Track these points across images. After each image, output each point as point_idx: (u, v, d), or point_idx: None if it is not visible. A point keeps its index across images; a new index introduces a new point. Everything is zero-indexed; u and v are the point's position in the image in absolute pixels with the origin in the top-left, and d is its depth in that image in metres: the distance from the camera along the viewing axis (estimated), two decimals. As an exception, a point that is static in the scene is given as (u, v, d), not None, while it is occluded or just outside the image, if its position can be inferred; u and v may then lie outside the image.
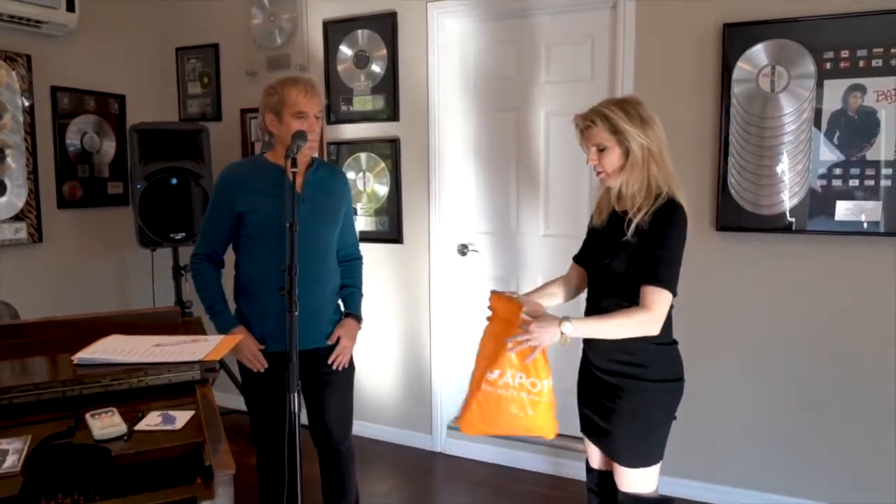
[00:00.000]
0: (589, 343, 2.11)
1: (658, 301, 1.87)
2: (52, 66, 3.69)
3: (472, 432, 2.15)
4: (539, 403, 2.00)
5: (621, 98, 2.02)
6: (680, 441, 2.65)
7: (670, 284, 1.88)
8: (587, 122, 1.97)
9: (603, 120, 1.93)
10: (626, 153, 1.93)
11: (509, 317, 2.04)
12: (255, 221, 2.29)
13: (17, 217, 3.53)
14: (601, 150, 1.96)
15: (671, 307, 2.01)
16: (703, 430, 3.10)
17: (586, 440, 2.25)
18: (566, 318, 1.91)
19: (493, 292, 2.15)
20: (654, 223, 1.90)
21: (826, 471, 2.93)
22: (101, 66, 3.98)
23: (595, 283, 2.11)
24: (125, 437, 1.43)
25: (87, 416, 1.49)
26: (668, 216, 1.90)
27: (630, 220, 1.93)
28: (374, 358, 3.92)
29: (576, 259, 2.26)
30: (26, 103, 3.54)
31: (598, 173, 2.01)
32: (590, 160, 2.00)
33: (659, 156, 1.94)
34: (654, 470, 2.05)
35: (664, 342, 2.01)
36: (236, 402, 4.05)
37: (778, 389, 2.99)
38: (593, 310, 2.07)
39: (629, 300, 1.93)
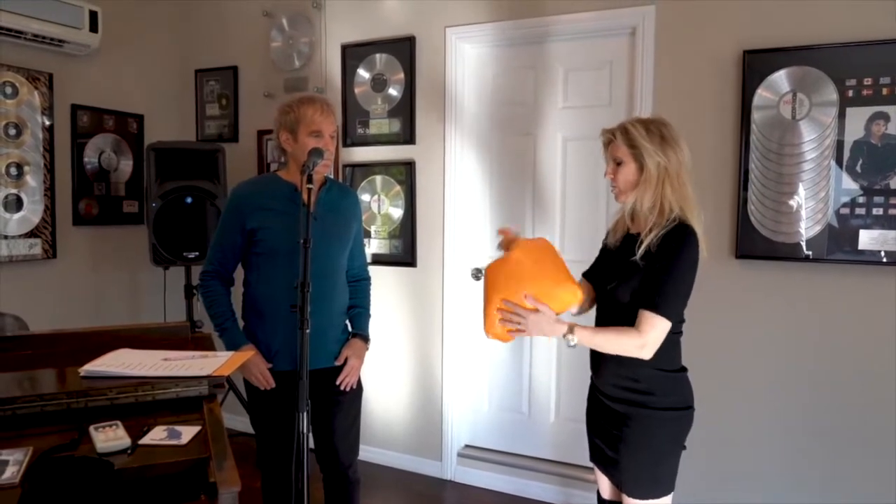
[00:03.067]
0: (597, 370, 2.08)
1: (652, 328, 1.85)
2: (72, 85, 3.73)
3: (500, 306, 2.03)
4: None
5: (649, 117, 2.01)
6: (694, 473, 2.58)
7: (668, 312, 1.85)
8: (608, 136, 1.99)
9: (622, 134, 1.94)
10: (642, 169, 1.91)
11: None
12: (266, 239, 2.27)
13: (33, 233, 3.54)
14: (618, 164, 1.96)
15: (679, 333, 1.98)
16: (720, 461, 3.02)
17: (596, 470, 2.19)
18: (573, 329, 1.91)
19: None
20: (663, 247, 1.86)
21: (848, 501, 2.84)
22: (121, 86, 4.03)
23: (602, 308, 2.09)
24: (129, 451, 1.40)
25: (91, 428, 1.46)
26: (678, 241, 1.86)
27: (641, 242, 1.89)
28: (385, 382, 3.87)
29: (586, 276, 2.22)
30: (47, 122, 3.57)
31: (614, 188, 2.01)
32: (607, 173, 2.01)
33: (676, 178, 1.91)
34: (665, 502, 1.98)
35: (672, 369, 1.97)
36: (244, 424, 4.00)
37: (797, 419, 2.91)
38: None
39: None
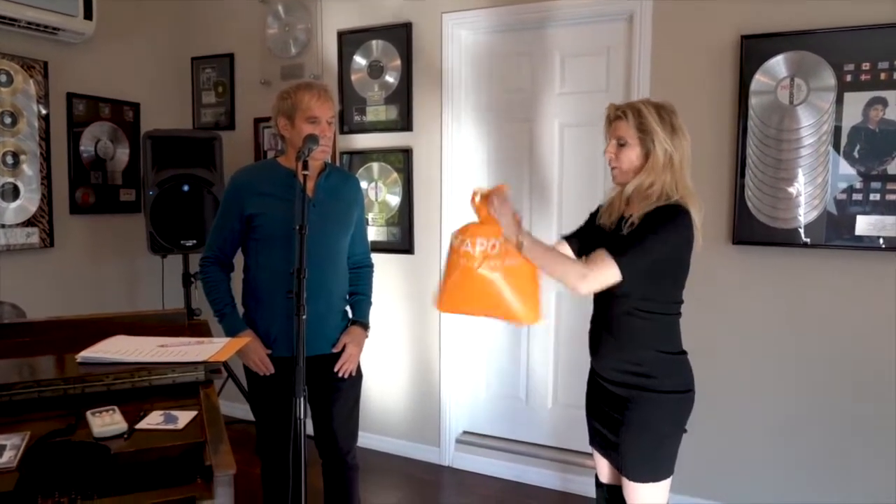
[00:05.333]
0: (596, 354, 2.08)
1: (601, 266, 1.83)
2: (68, 73, 3.71)
3: (449, 310, 2.08)
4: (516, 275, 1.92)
5: (659, 102, 1.96)
6: (692, 457, 2.60)
7: (623, 262, 1.82)
8: (618, 113, 1.94)
9: (635, 115, 1.90)
10: (647, 155, 1.89)
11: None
12: (265, 225, 2.27)
13: (30, 222, 3.53)
14: (622, 145, 1.93)
15: (678, 315, 1.98)
16: (717, 446, 3.04)
17: (595, 454, 2.19)
18: (527, 237, 1.90)
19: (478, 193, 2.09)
20: (648, 217, 1.85)
21: (844, 488, 2.85)
22: (117, 74, 4.00)
23: (598, 295, 2.04)
24: (125, 436, 1.41)
25: (88, 414, 1.46)
26: (666, 214, 1.85)
27: (630, 220, 1.89)
28: (383, 369, 3.89)
29: (567, 239, 2.19)
30: (43, 110, 3.56)
31: (613, 168, 1.98)
32: (607, 151, 1.97)
33: (679, 167, 1.90)
34: (665, 485, 1.99)
35: (673, 351, 1.97)
36: (244, 411, 4.01)
37: (794, 404, 2.92)
38: (603, 313, 2.02)
39: (642, 299, 1.90)
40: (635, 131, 1.90)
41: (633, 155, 1.92)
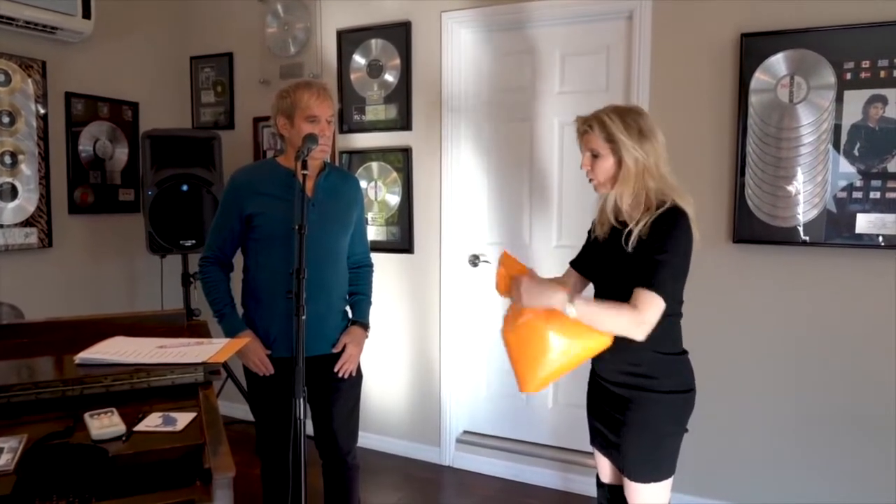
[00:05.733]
0: (597, 355, 2.06)
1: (649, 305, 1.80)
2: (66, 73, 3.70)
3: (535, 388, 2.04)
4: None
5: (624, 107, 1.96)
6: (693, 457, 2.60)
7: (663, 291, 1.81)
8: (585, 127, 1.94)
9: (600, 127, 1.89)
10: (620, 163, 1.89)
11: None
12: (264, 224, 2.26)
13: (28, 222, 3.52)
14: (595, 157, 1.93)
15: (679, 315, 1.97)
16: (718, 445, 3.03)
17: (596, 454, 2.19)
18: (572, 299, 1.83)
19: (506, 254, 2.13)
20: (655, 229, 1.84)
21: (844, 486, 2.85)
22: (116, 74, 3.99)
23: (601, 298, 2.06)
24: (124, 438, 1.40)
25: (86, 416, 1.45)
26: (670, 222, 1.84)
27: (630, 232, 1.87)
28: (383, 369, 3.88)
29: (574, 265, 2.20)
30: (41, 110, 3.55)
31: (591, 179, 1.98)
32: (583, 164, 1.98)
33: (655, 169, 1.89)
34: (666, 485, 1.98)
35: (673, 352, 1.97)
36: (244, 411, 4.01)
37: (794, 402, 2.92)
38: None
39: None
40: (604, 142, 1.89)
41: (606, 165, 1.91)
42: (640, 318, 1.80)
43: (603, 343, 1.86)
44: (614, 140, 1.87)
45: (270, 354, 2.29)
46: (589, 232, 2.17)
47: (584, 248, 2.19)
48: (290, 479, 1.88)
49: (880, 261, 2.72)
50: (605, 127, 1.88)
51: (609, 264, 1.99)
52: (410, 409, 3.85)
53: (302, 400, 1.87)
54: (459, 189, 3.64)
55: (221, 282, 2.35)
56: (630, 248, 1.87)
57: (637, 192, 1.89)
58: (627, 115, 1.90)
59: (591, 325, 1.85)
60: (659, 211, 1.85)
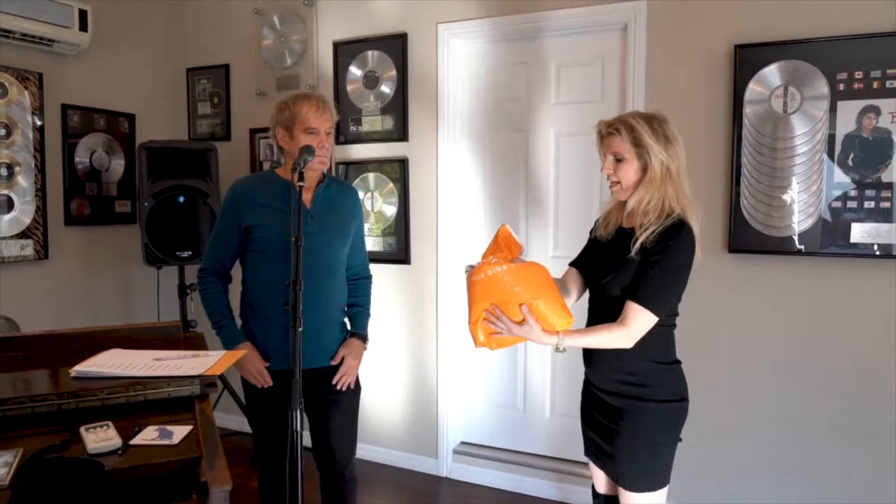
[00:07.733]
0: (590, 364, 2.08)
1: (636, 319, 1.85)
2: (63, 85, 3.71)
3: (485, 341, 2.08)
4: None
5: (649, 113, 1.97)
6: (687, 466, 2.59)
7: (654, 305, 1.85)
8: (611, 130, 1.93)
9: (628, 130, 1.89)
10: (644, 168, 1.89)
11: (509, 249, 2.03)
12: (262, 236, 2.26)
13: (24, 234, 3.52)
14: (619, 161, 1.92)
15: (673, 326, 1.98)
16: (715, 453, 3.03)
17: (591, 464, 2.19)
18: (563, 335, 1.89)
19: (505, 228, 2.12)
20: (659, 242, 1.86)
21: (840, 496, 2.84)
22: (112, 86, 4.00)
23: (594, 301, 2.08)
24: (120, 452, 1.39)
25: (82, 429, 1.45)
26: (674, 237, 1.85)
27: (636, 239, 1.89)
28: (380, 380, 3.87)
29: (575, 265, 2.20)
30: (37, 122, 3.55)
31: (613, 184, 1.97)
32: (605, 168, 1.97)
33: (677, 177, 1.90)
34: (661, 495, 1.98)
35: (666, 362, 1.97)
36: (240, 423, 4.00)
37: (790, 411, 2.91)
38: (598, 323, 2.00)
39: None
40: (630, 146, 1.89)
41: (631, 170, 1.91)
42: (626, 331, 1.87)
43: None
44: (641, 144, 1.88)
45: (268, 366, 2.28)
46: (591, 231, 2.18)
47: (585, 248, 2.20)
48: (288, 491, 1.87)
49: (875, 270, 2.73)
50: (633, 131, 1.88)
51: (606, 265, 1.99)
52: (407, 420, 3.84)
53: (299, 412, 1.86)
54: (456, 200, 3.64)
55: (220, 293, 2.34)
56: (633, 253, 1.88)
57: (660, 198, 1.89)
58: (653, 121, 1.91)
59: (583, 346, 1.97)
60: (666, 223, 1.86)
